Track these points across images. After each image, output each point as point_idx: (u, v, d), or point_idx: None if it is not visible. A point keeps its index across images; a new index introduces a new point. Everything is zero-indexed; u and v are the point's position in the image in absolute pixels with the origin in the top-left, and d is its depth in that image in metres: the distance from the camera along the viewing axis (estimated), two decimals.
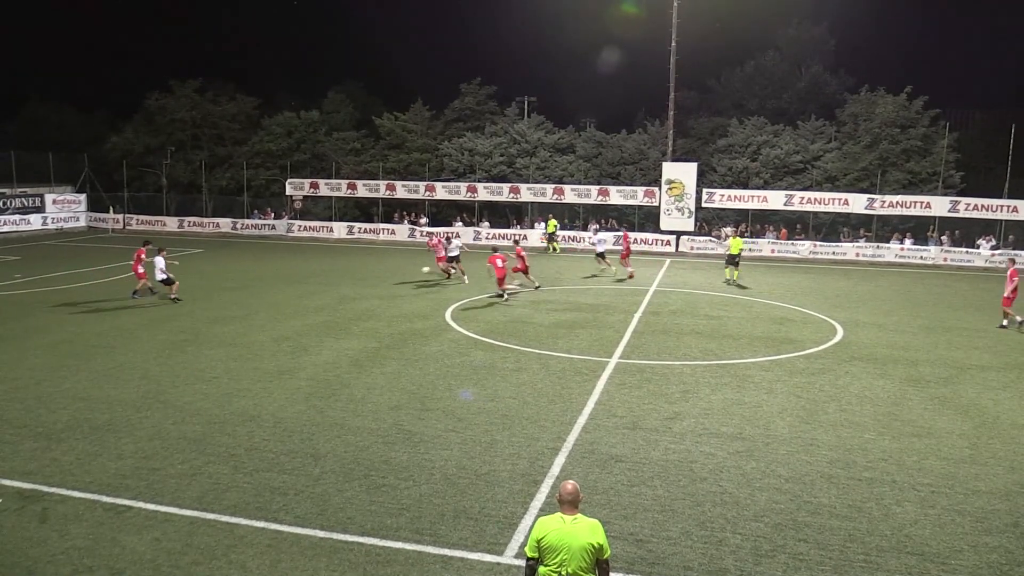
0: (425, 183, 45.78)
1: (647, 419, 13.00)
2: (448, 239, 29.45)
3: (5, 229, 43.58)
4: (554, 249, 39.55)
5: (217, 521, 9.25)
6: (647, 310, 22.97)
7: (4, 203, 44.20)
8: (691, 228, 40.74)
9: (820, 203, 39.90)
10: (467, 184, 45.15)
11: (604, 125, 50.88)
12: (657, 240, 40.39)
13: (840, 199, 39.61)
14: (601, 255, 30.82)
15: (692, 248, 40.08)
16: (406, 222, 45.34)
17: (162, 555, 8.46)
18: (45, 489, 10.08)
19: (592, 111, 55.49)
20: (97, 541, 8.76)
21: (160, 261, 23.07)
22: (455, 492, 10.06)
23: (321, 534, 8.96)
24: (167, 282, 23.12)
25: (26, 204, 45.60)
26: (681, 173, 40.63)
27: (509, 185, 44.40)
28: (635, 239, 40.08)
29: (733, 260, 28.81)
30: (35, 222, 45.66)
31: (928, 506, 9.89)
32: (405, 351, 17.54)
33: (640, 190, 42.10)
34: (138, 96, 55.65)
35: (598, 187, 43.02)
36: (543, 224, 42.70)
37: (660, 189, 40.84)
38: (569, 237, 41.48)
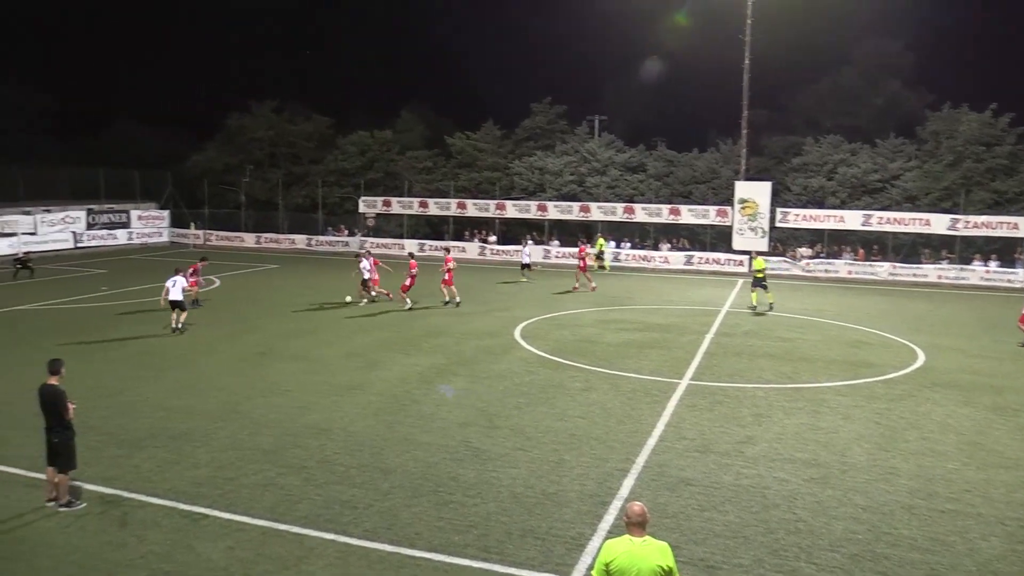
0: (495, 201, 46.06)
1: (718, 442, 12.77)
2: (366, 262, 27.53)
3: (93, 243, 45.41)
4: (602, 267, 39.41)
5: (288, 532, 9.41)
6: (719, 331, 22.60)
7: (92, 218, 46.08)
8: (765, 248, 40.01)
9: (900, 223, 38.71)
10: (537, 203, 45.27)
11: (675, 144, 50.46)
12: (729, 260, 39.77)
13: (921, 219, 38.36)
14: (527, 266, 34.31)
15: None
16: (476, 240, 45.65)
17: (235, 563, 8.65)
18: (125, 495, 10.42)
19: (663, 130, 55.11)
20: (173, 547, 9.00)
21: (182, 281, 21.75)
22: (522, 511, 10.04)
23: (389, 548, 9.03)
24: (178, 305, 21.31)
25: (113, 220, 47.48)
26: (754, 192, 39.98)
27: (579, 204, 44.35)
28: (706, 259, 39.58)
29: (760, 283, 26.30)
30: (121, 237, 47.46)
31: (1016, 541, 9.45)
32: (474, 368, 17.62)
33: (712, 209, 41.57)
34: (219, 116, 57.66)
35: (669, 206, 42.64)
36: (613, 242, 42.51)
37: (733, 208, 40.25)
38: (640, 257, 41.18)
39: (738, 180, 41.23)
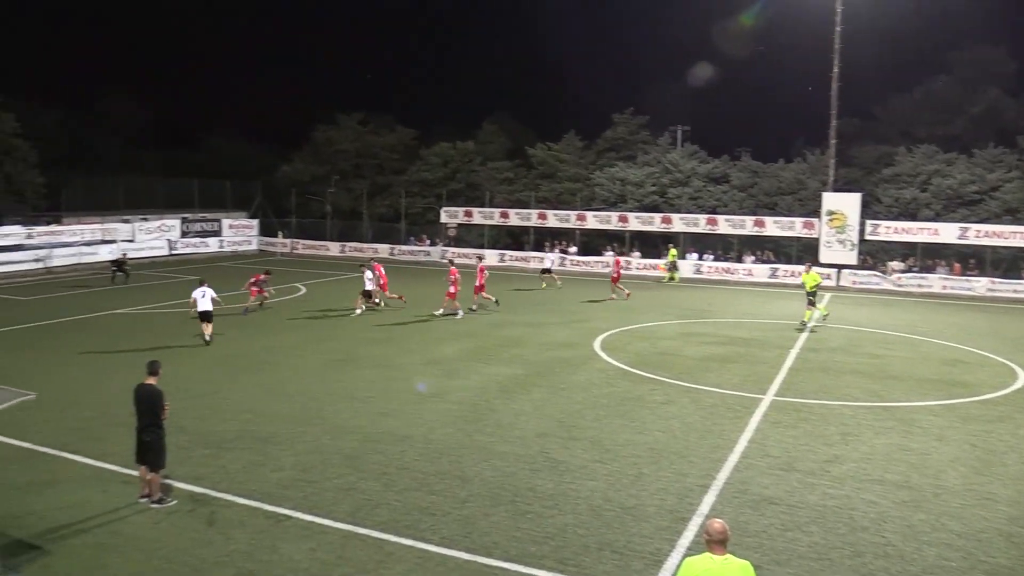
0: (576, 212, 46.00)
1: (803, 461, 12.42)
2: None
3: (186, 250, 47.16)
4: (672, 279, 38.91)
5: (368, 536, 9.55)
6: (805, 346, 22.02)
7: (186, 227, 47.89)
8: (853, 261, 38.81)
9: (999, 236, 37.01)
10: (618, 213, 45.03)
11: (760, 154, 49.48)
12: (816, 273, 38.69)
13: (1022, 233, 36.65)
14: (547, 271, 35.06)
15: (854, 283, 38.12)
16: (556, 250, 45.64)
17: (316, 565, 8.82)
18: (213, 494, 10.76)
19: (748, 140, 54.14)
20: (258, 547, 9.23)
21: (211, 292, 21.55)
22: (600, 524, 9.95)
23: (466, 556, 9.07)
24: (207, 317, 21.24)
25: (205, 228, 49.26)
26: (843, 204, 38.85)
27: (661, 215, 43.90)
28: (791, 272, 38.66)
29: (810, 299, 24.95)
30: (212, 245, 49.19)
31: None
32: (552, 379, 17.60)
33: (798, 221, 40.57)
34: (306, 128, 59.31)
35: (754, 217, 41.80)
36: (695, 254, 41.93)
37: (820, 220, 39.21)
38: (722, 269, 40.47)
39: (826, 191, 40.15)
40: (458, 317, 25.74)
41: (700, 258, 41.98)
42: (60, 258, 39.24)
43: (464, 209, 49.20)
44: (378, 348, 20.62)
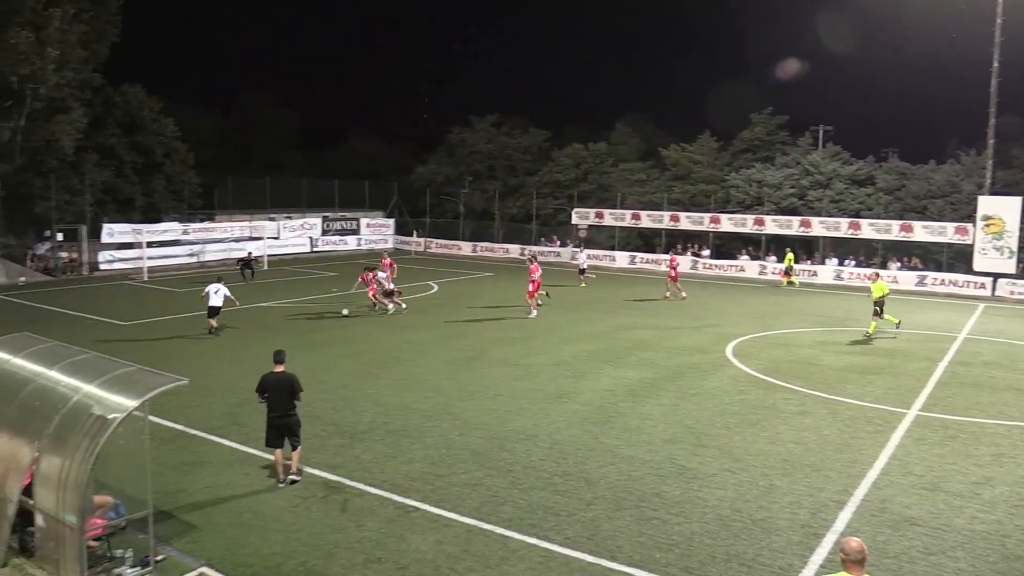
0: (710, 215, 45.02)
1: (950, 481, 11.69)
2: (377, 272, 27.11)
3: (326, 248, 49.19)
4: (791, 283, 37.59)
5: (493, 532, 9.68)
6: (955, 359, 20.72)
7: (327, 225, 49.96)
8: (1012, 270, 36.21)
9: None
10: (754, 216, 43.74)
11: (908, 155, 46.90)
12: (968, 282, 36.36)
13: None
14: (583, 271, 36.53)
15: (1012, 293, 35.54)
16: (688, 253, 44.84)
17: (442, 557, 9.01)
18: (347, 482, 11.18)
19: (895, 140, 51.60)
20: (387, 536, 9.53)
21: (224, 289, 22.47)
22: (728, 535, 9.71)
23: (589, 559, 9.04)
24: (215, 312, 22.35)
25: (344, 227, 51.26)
26: (1001, 208, 36.30)
27: (799, 218, 42.32)
28: (941, 280, 36.50)
29: (876, 309, 23.52)
30: (351, 243, 51.11)
31: None
32: (682, 384, 17.30)
33: (950, 226, 38.21)
34: (442, 130, 60.91)
35: (900, 222, 39.66)
36: (835, 259, 40.23)
37: (975, 226, 36.80)
38: (866, 275, 38.55)
39: (982, 195, 37.64)
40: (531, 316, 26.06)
41: (841, 264, 40.20)
42: (211, 253, 41.80)
43: (595, 210, 49.07)
44: (507, 347, 20.86)
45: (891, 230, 39.35)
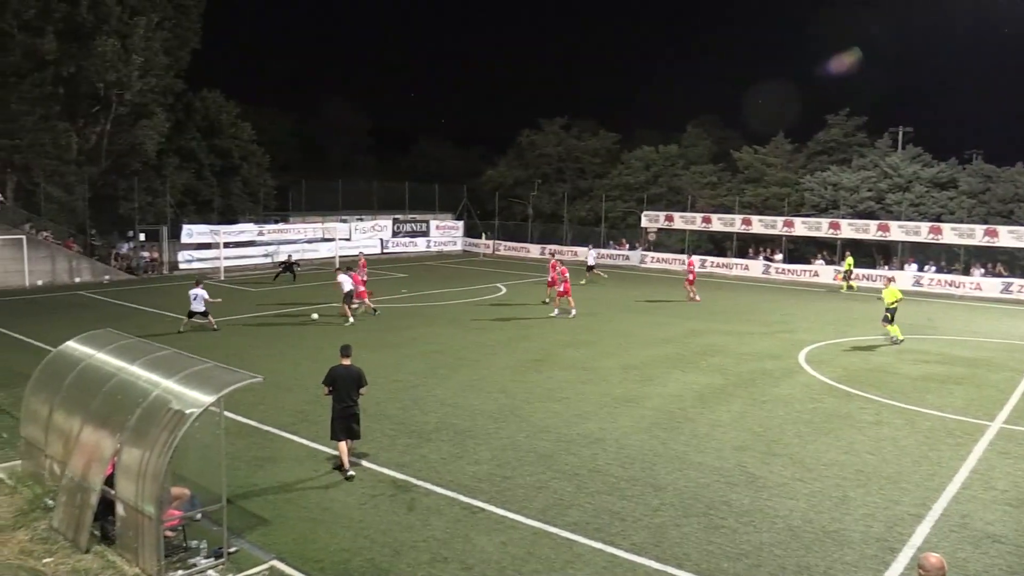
0: (783, 218, 44.10)
1: None
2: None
3: (397, 249, 49.84)
4: (849, 288, 36.78)
5: (558, 535, 9.65)
6: None
7: (397, 227, 50.65)
8: None
9: None
10: (829, 220, 42.67)
11: (995, 157, 45.13)
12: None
13: None
14: (591, 268, 37.09)
15: None
16: (761, 258, 44.05)
17: (507, 559, 9.03)
18: (414, 481, 11.30)
19: (981, 141, 49.61)
20: (453, 535, 9.59)
21: (203, 293, 22.46)
22: (799, 546, 9.49)
23: (656, 565, 8.95)
24: (196, 315, 22.64)
25: (415, 229, 51.89)
26: None
27: (877, 222, 41.14)
28: None
29: (887, 315, 22.97)
30: (420, 245, 51.69)
31: None
32: (753, 391, 16.99)
33: None
34: (511, 133, 61.20)
35: (984, 227, 38.19)
36: (915, 264, 39.01)
37: None
38: (946, 282, 37.30)
39: None
40: (571, 316, 26.16)
41: (920, 269, 38.92)
42: (285, 254, 42.72)
43: (665, 213, 48.58)
44: (575, 351, 20.80)
45: (975, 235, 37.91)
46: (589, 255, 38.98)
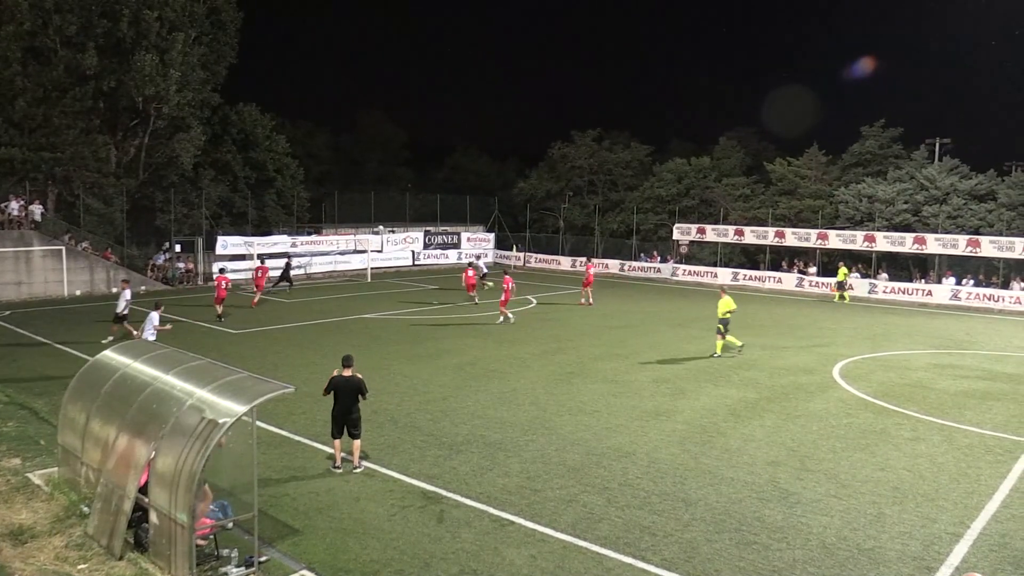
0: (817, 231, 43.64)
1: None
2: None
3: (428, 261, 50.03)
4: (842, 298, 36.86)
5: (588, 549, 9.60)
6: None
7: (429, 239, 50.83)
8: None
9: None
10: (864, 233, 42.15)
11: None
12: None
13: None
14: (483, 276, 37.27)
15: None
16: (795, 271, 43.60)
17: (537, 572, 8.99)
18: (444, 493, 11.31)
19: (1021, 153, 48.81)
20: (482, 548, 9.57)
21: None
22: (833, 563, 9.35)
23: None
24: (121, 318, 21.98)
25: (446, 240, 52.05)
26: None
27: (913, 235, 40.54)
28: None
29: (720, 328, 22.32)
30: (451, 256, 51.83)
31: None
32: (786, 405, 16.80)
33: None
34: (543, 146, 61.29)
35: None
36: (952, 278, 38.37)
37: None
38: (985, 296, 36.63)
39: None
40: (499, 322, 26.90)
41: (958, 283, 38.24)
42: (318, 265, 43.08)
43: (697, 226, 48.31)
44: (607, 363, 20.72)
45: (1014, 248, 37.21)
46: (480, 264, 39.27)
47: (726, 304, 22.31)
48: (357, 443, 12.31)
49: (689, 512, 10.79)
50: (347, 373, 12.39)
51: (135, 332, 20.89)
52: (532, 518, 10.48)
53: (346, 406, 12.24)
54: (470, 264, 36.09)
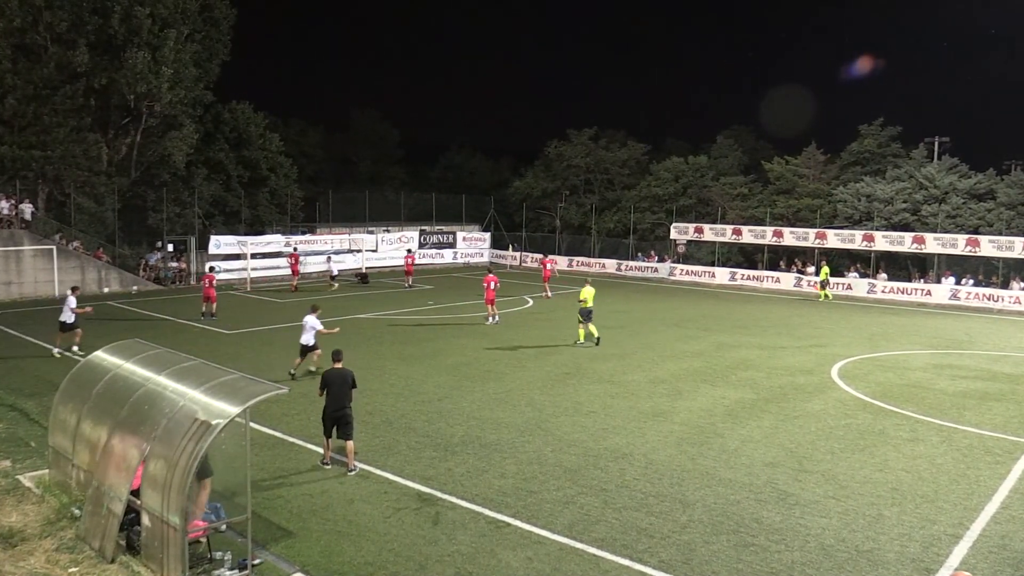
0: (815, 230, 43.72)
1: None
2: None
3: (424, 261, 49.97)
4: (825, 297, 37.39)
5: (584, 551, 9.60)
6: None
7: (424, 239, 50.81)
8: None
9: None
10: (863, 232, 42.24)
11: None
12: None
13: None
14: (334, 277, 38.36)
15: None
16: (793, 271, 43.67)
17: (533, 575, 8.99)
18: (439, 495, 11.30)
19: (1020, 151, 48.94)
20: (478, 550, 9.57)
21: (72, 301, 20.53)
22: (831, 565, 9.36)
23: None
24: (71, 327, 20.78)
25: (441, 240, 52.04)
26: None
27: (912, 235, 40.64)
28: None
29: (586, 315, 23.48)
30: (447, 256, 51.83)
31: None
32: (784, 406, 16.82)
33: None
34: (539, 144, 61.35)
35: None
36: (951, 278, 38.46)
37: None
38: (984, 296, 36.73)
39: None
40: (488, 323, 26.99)
41: (957, 283, 38.34)
42: (312, 265, 42.99)
43: (695, 225, 48.36)
44: (603, 364, 20.73)
45: (1014, 247, 37.31)
46: (332, 266, 39.79)
47: (585, 293, 23.76)
48: (350, 444, 12.28)
49: (687, 514, 10.80)
50: (337, 366, 12.62)
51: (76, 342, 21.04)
52: (528, 520, 10.48)
53: (338, 401, 12.30)
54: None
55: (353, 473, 12.12)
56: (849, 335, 26.63)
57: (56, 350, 20.89)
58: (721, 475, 12.37)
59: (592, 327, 23.41)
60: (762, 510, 10.99)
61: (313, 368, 18.67)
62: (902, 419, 15.96)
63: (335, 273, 39.23)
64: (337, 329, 20.10)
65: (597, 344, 23.09)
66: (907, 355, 23.13)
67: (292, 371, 18.49)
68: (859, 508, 11.14)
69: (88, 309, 22.24)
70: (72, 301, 20.91)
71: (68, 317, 20.88)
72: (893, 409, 16.72)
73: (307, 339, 18.63)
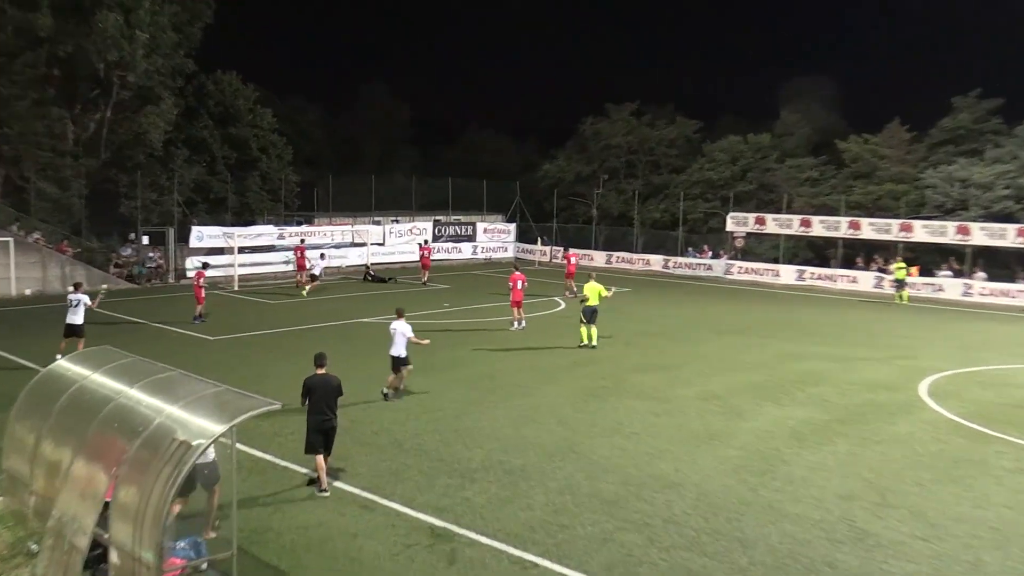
0: (899, 221, 43.27)
1: None
2: None
3: (438, 256, 49.89)
4: (901, 299, 37.29)
5: None
6: None
7: (439, 230, 50.72)
8: None
9: None
10: (957, 224, 41.75)
11: None
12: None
13: None
14: (314, 277, 37.76)
15: None
16: (873, 268, 43.26)
17: None
18: (456, 529, 11.30)
19: None
20: None
21: (84, 297, 21.17)
22: None
23: None
24: (77, 331, 21.08)
25: (459, 232, 52.00)
26: None
27: (1016, 227, 40.08)
28: None
29: (591, 316, 24.29)
30: (465, 251, 51.78)
31: None
32: (862, 428, 16.67)
33: None
34: (572, 122, 61.18)
35: None
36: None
37: None
38: None
39: None
40: (513, 329, 27.16)
41: None
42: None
43: (755, 215, 48.09)
44: (648, 376, 20.67)
45: None
46: (318, 264, 38.95)
47: (593, 289, 24.50)
48: (327, 459, 12.57)
49: (747, 555, 10.71)
50: (321, 372, 12.90)
51: None
52: (559, 560, 10.44)
53: (324, 411, 12.54)
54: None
55: (325, 495, 12.31)
56: (940, 345, 26.38)
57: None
58: (787, 509, 12.27)
59: (594, 330, 24.00)
60: (836, 552, 10.88)
61: (400, 387, 18.33)
62: (1005, 445, 15.77)
63: (317, 272, 38.08)
64: (427, 341, 19.44)
65: (592, 348, 23.92)
66: (1010, 369, 22.91)
67: (385, 390, 18.10)
68: (954, 551, 11.00)
69: (101, 293, 23.14)
70: (85, 298, 21.15)
71: (79, 318, 21.07)
72: (994, 434, 16.52)
73: (398, 350, 18.03)
